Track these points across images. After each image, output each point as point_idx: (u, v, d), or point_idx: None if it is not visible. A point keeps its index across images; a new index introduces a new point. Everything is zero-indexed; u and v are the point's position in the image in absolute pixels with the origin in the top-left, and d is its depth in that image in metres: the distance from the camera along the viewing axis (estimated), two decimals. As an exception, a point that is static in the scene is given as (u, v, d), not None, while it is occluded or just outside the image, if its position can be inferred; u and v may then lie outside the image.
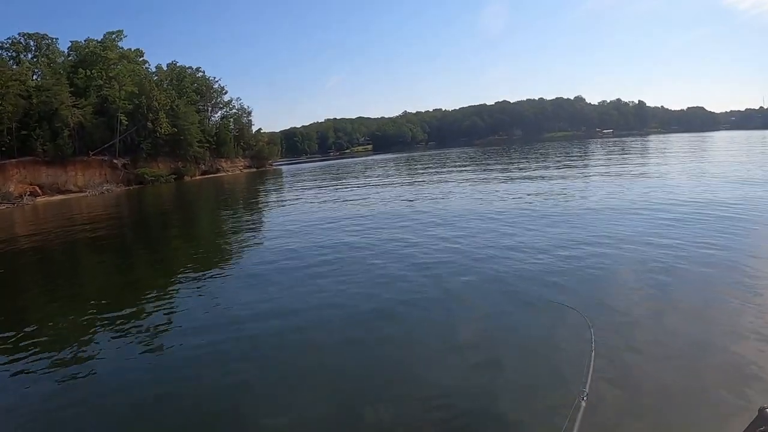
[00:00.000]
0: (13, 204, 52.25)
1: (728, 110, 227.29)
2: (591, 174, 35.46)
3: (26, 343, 10.01)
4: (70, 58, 78.52)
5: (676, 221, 15.85)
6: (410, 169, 62.46)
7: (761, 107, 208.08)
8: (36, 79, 67.31)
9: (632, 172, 34.24)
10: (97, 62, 75.79)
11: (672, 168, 35.81)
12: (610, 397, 6.02)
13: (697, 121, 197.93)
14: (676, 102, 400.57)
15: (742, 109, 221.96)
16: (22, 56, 71.36)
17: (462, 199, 26.14)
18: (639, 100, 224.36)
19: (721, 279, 10.19)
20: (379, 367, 7.73)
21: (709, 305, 8.93)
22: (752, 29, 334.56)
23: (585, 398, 3.02)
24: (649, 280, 10.45)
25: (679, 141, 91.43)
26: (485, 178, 38.76)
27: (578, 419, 2.83)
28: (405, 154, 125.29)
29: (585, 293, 9.97)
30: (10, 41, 72.13)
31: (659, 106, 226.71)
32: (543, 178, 34.76)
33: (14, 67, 67.03)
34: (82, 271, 18.71)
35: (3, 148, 58.77)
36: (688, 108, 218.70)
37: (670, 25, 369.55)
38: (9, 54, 70.82)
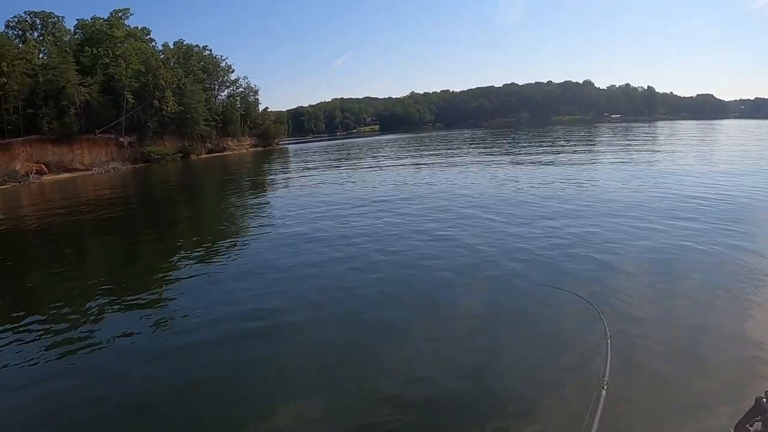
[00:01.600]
0: (20, 182, 52.65)
1: (738, 98, 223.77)
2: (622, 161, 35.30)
3: (32, 321, 10.25)
4: (76, 36, 78.35)
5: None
6: (421, 150, 61.97)
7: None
8: (42, 58, 67.34)
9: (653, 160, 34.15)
10: (103, 40, 75.55)
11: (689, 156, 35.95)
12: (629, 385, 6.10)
13: (706, 108, 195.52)
14: (686, 89, 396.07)
15: (752, 98, 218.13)
16: (28, 35, 71.30)
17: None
18: (648, 86, 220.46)
19: (729, 265, 10.45)
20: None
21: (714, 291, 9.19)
22: (763, 18, 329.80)
23: (605, 387, 2.97)
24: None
25: (689, 128, 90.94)
26: (506, 161, 38.72)
27: (599, 407, 2.79)
28: (412, 135, 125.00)
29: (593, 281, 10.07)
30: (16, 20, 72.09)
31: (668, 92, 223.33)
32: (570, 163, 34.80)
33: (20, 45, 66.99)
34: (88, 250, 19.03)
35: (9, 127, 59.00)
36: (698, 95, 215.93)
37: (680, 11, 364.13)
38: (15, 32, 70.82)
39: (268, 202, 27.74)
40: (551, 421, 5.83)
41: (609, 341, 3.45)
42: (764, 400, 2.52)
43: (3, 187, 49.12)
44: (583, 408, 2.83)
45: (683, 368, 6.67)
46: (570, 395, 6.11)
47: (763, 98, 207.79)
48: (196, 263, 14.32)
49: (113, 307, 10.98)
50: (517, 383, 6.67)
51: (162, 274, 13.87)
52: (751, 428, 2.54)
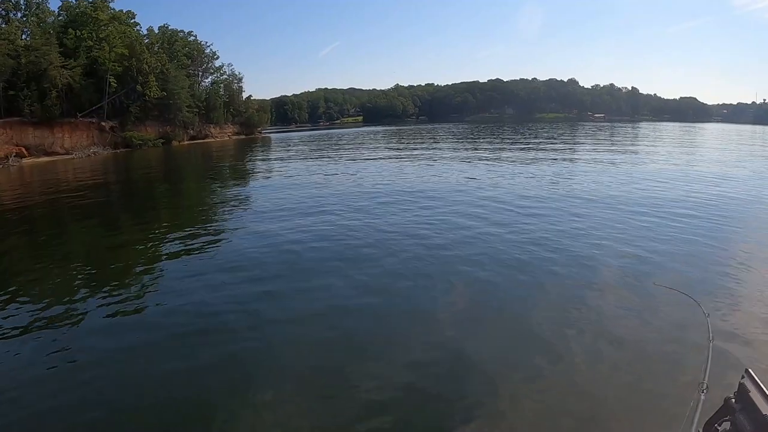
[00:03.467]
0: (-1, 165, 52.29)
1: (720, 103, 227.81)
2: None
3: (11, 305, 10.43)
4: (60, 17, 77.45)
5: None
6: (404, 143, 62.64)
7: (753, 102, 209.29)
8: (25, 39, 66.55)
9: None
10: (87, 23, 74.80)
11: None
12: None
13: (689, 111, 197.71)
14: (669, 91, 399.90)
15: (735, 102, 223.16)
16: (11, 15, 70.45)
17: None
18: (632, 87, 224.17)
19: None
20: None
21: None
22: (748, 24, 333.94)
23: (705, 391, 2.90)
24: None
25: (673, 130, 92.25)
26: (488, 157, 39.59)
27: (698, 412, 2.73)
28: (396, 127, 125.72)
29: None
30: (-1, -1, 70.92)
31: (652, 94, 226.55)
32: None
33: (3, 26, 66.28)
34: (67, 236, 19.08)
35: (-10, 109, 58.32)
36: (681, 98, 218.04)
37: (667, 14, 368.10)
38: (-2, 12, 69.96)
39: (248, 190, 28.38)
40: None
41: (712, 343, 3.32)
42: (733, 400, 2.60)
43: (-18, 169, 48.87)
44: (680, 411, 2.84)
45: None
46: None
47: (745, 103, 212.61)
48: (174, 251, 14.70)
49: (90, 294, 11.17)
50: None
51: (141, 261, 14.15)
52: (719, 428, 2.63)
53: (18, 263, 15.04)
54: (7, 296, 11.02)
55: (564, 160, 37.46)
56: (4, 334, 8.98)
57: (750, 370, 2.60)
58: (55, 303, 10.52)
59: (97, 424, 6.37)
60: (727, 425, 2.59)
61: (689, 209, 17.62)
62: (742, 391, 2.56)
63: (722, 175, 27.57)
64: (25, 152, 58.07)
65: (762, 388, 2.48)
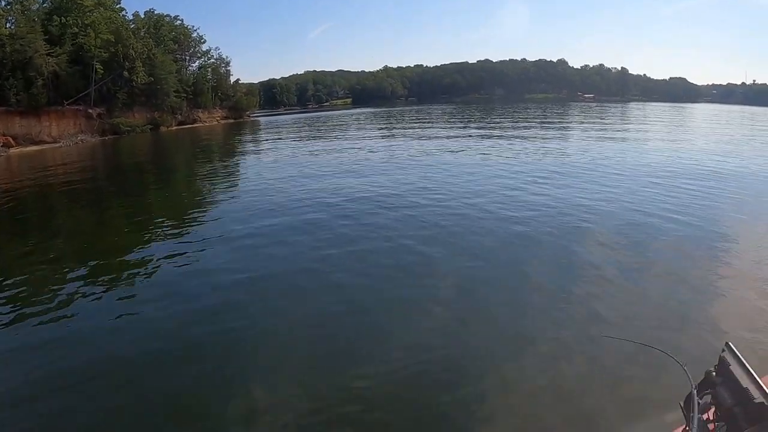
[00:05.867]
0: (-14, 155, 52.37)
1: (710, 83, 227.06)
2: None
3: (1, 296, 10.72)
4: (44, 5, 76.83)
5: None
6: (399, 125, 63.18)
7: (743, 83, 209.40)
8: (9, 27, 66.09)
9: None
10: (72, 9, 74.38)
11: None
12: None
13: (678, 92, 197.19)
14: (659, 71, 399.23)
15: (724, 83, 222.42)
16: (-5, 3, 69.93)
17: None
18: (622, 67, 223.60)
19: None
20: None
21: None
22: (741, 4, 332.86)
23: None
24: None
25: (664, 110, 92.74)
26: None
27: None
28: (385, 109, 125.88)
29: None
30: (-18, -13, 70.22)
31: (642, 74, 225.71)
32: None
33: (-13, 14, 65.81)
34: (56, 225, 19.38)
35: (-24, 98, 58.24)
36: (671, 78, 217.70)
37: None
38: (-18, 1, 69.40)
39: (237, 175, 29.03)
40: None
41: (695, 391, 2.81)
42: (713, 374, 2.65)
43: (-31, 159, 49.00)
44: None
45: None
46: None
47: (735, 84, 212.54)
48: (165, 238, 15.28)
49: (81, 282, 11.44)
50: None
51: (132, 249, 14.54)
52: (700, 402, 2.60)
53: (7, 253, 15.11)
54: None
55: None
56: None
57: (730, 343, 2.67)
58: (40, 294, 10.85)
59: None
60: (708, 398, 2.66)
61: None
62: (722, 364, 2.64)
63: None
64: (12, 142, 58.04)
65: (741, 361, 2.56)
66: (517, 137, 41.17)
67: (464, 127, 55.06)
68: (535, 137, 41.78)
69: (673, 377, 3.12)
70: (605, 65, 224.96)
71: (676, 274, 10.46)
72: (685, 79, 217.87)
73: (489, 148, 33.31)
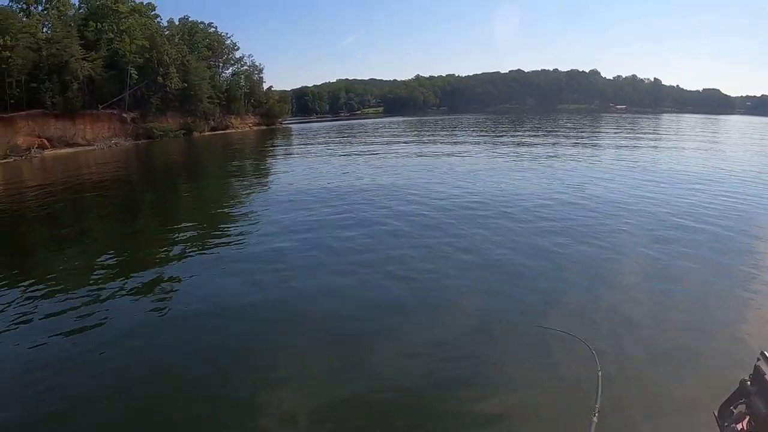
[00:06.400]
0: (21, 157, 52.43)
1: (744, 95, 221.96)
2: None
3: (33, 296, 10.41)
4: (80, 10, 77.94)
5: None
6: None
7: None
8: (46, 32, 66.94)
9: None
10: (108, 15, 75.23)
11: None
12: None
13: (712, 103, 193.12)
14: (692, 82, 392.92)
15: (758, 95, 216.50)
16: (32, 8, 70.74)
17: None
18: (655, 78, 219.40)
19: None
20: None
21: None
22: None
23: (596, 414, 2.82)
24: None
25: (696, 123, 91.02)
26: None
27: None
28: (417, 118, 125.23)
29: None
30: (20, -7, 71.23)
31: (675, 85, 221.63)
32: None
33: (24, 19, 66.49)
34: (89, 229, 19.01)
35: (12, 101, 58.89)
36: (704, 89, 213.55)
37: (692, 4, 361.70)
38: (19, 6, 70.07)
39: (271, 183, 27.90)
40: None
41: (600, 373, 3.21)
42: (748, 383, 2.52)
43: (5, 161, 49.20)
44: None
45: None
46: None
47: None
48: (197, 245, 14.53)
49: (112, 286, 11.07)
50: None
51: (163, 253, 14.01)
52: (735, 411, 2.55)
53: (41, 255, 15.03)
54: (30, 288, 11.02)
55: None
56: (27, 323, 9.13)
57: (765, 352, 2.49)
58: (79, 290, 10.71)
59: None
60: (742, 408, 2.51)
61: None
62: (757, 374, 2.47)
63: None
64: (47, 144, 58.45)
65: None
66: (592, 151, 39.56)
67: (523, 138, 53.64)
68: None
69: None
70: (638, 76, 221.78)
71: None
72: (718, 90, 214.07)
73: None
